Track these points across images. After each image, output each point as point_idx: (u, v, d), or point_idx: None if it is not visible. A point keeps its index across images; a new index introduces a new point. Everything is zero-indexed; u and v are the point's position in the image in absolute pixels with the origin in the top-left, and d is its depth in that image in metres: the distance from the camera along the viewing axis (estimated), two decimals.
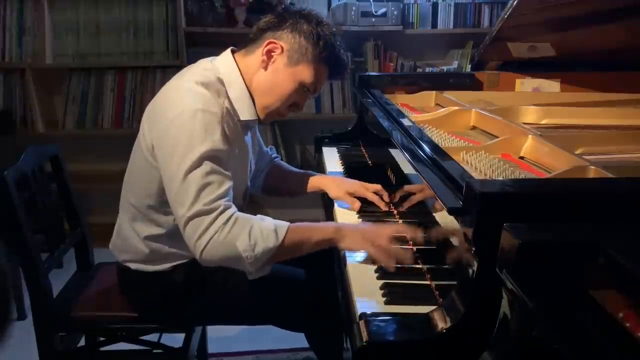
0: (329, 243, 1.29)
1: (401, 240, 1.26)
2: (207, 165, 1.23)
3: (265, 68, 1.36)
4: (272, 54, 1.35)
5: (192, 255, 1.39)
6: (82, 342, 1.65)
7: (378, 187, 1.56)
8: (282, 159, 3.25)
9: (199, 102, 1.27)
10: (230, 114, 1.34)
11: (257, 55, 1.36)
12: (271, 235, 1.23)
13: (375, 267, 1.19)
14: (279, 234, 1.23)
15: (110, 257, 1.54)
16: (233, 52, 1.43)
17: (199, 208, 1.20)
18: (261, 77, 1.37)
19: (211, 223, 1.20)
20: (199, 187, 1.21)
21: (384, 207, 1.53)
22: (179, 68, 1.51)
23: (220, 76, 1.36)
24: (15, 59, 3.08)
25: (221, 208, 1.22)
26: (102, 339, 1.65)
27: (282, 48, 1.34)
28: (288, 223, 1.26)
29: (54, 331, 1.52)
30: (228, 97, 1.36)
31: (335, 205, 1.59)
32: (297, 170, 1.76)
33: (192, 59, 3.01)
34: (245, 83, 1.38)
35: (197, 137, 1.24)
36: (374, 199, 1.54)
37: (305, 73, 1.35)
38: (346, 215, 1.52)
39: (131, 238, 1.43)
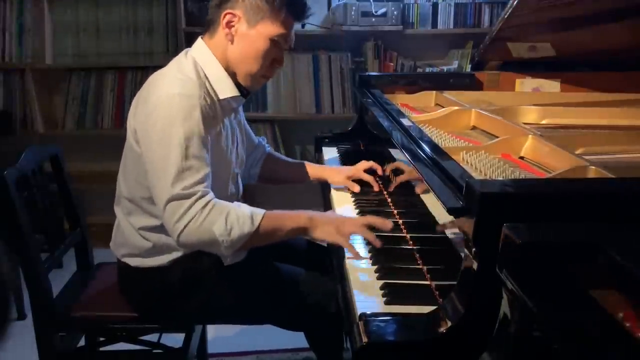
0: (302, 232, 1.34)
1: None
2: (185, 149, 1.26)
3: (232, 40, 1.38)
4: (232, 24, 1.37)
5: None
6: (82, 342, 1.65)
7: (370, 163, 1.68)
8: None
9: (177, 87, 1.31)
10: (210, 95, 1.37)
11: (220, 32, 1.39)
12: (247, 221, 1.27)
13: (375, 267, 1.19)
14: (255, 220, 1.28)
15: (110, 257, 1.54)
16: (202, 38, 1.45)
17: (178, 192, 1.24)
18: (232, 50, 1.39)
19: (189, 207, 1.24)
20: (177, 171, 1.25)
21: (376, 188, 1.64)
22: None
23: (196, 61, 1.40)
24: (15, 59, 3.08)
25: (199, 193, 1.26)
26: (102, 339, 1.65)
27: (238, 16, 1.36)
28: (264, 210, 1.30)
29: (54, 331, 1.52)
30: (207, 79, 1.39)
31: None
32: (292, 160, 1.84)
33: None
34: (220, 62, 1.40)
35: (175, 122, 1.27)
36: (369, 179, 1.66)
37: (269, 28, 1.36)
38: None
39: (128, 231, 1.45)
